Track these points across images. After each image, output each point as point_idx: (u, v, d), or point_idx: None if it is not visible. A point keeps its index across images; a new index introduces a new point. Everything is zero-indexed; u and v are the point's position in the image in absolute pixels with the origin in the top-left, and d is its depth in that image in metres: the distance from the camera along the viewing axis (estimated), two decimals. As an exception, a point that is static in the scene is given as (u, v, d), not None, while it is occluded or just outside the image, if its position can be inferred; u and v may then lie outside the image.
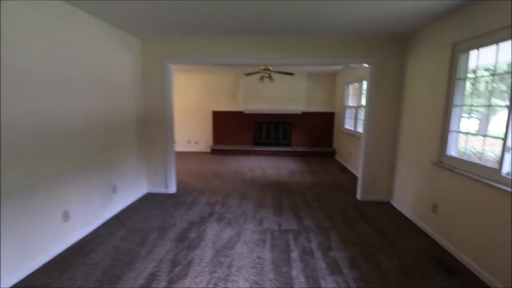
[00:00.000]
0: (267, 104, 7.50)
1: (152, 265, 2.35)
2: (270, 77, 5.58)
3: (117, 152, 3.48)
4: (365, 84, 5.49)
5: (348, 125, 6.56)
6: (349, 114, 6.58)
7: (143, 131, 4.15)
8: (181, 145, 8.15)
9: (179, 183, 4.72)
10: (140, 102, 4.02)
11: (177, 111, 7.98)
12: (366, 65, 3.88)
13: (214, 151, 7.64)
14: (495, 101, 2.49)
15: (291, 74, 5.85)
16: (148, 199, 3.99)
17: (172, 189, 4.29)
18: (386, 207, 3.77)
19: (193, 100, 7.93)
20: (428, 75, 3.10)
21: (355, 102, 6.04)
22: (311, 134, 7.69)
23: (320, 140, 7.69)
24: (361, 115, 5.67)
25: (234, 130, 7.85)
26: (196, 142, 8.12)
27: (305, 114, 7.59)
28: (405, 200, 3.55)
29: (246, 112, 7.64)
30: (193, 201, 3.92)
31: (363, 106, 5.51)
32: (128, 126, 3.75)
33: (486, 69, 2.52)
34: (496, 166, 2.18)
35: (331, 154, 7.35)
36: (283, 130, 7.72)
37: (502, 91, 2.55)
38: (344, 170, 5.94)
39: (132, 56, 3.76)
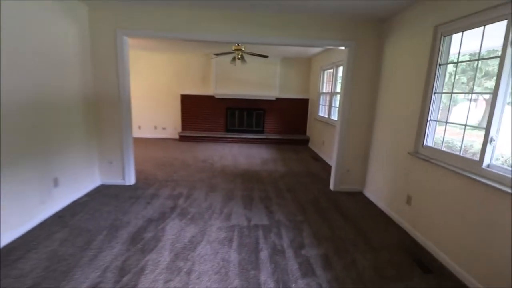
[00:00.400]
0: (240, 89, 7.09)
1: (95, 275, 1.97)
2: (242, 58, 5.17)
3: (58, 138, 2.93)
4: (340, 70, 5.31)
5: (322, 112, 6.42)
6: (323, 101, 6.42)
7: (95, 114, 3.59)
8: (146, 131, 7.52)
9: (140, 174, 4.26)
10: (89, 80, 3.43)
11: (142, 94, 7.31)
12: (343, 48, 3.63)
13: (182, 138, 7.14)
14: (477, 89, 2.37)
15: (265, 56, 5.49)
16: (101, 192, 3.50)
17: (131, 180, 3.82)
18: (359, 198, 3.67)
19: (159, 82, 7.27)
20: (408, 60, 2.92)
21: (330, 88, 5.86)
22: (285, 121, 7.47)
23: (294, 127, 7.50)
24: (336, 102, 5.51)
25: (205, 116, 7.38)
26: (164, 128, 7.54)
27: (279, 100, 7.32)
28: (379, 190, 3.46)
29: (217, 96, 7.18)
30: (154, 194, 3.52)
31: (338, 93, 5.35)
32: (74, 108, 3.18)
33: (471, 54, 2.38)
34: (476, 158, 2.06)
35: (305, 142, 7.22)
36: (256, 117, 7.40)
37: (483, 78, 2.44)
38: (317, 158, 5.81)
39: (76, 24, 3.14)
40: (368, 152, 3.75)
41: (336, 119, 5.20)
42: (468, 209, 2.04)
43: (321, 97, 6.44)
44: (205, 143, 7.01)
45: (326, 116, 5.89)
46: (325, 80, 6.37)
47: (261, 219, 2.92)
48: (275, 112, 7.40)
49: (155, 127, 7.53)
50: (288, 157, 5.83)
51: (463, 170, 2.10)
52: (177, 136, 7.29)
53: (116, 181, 3.78)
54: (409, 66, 2.89)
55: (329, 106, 5.69)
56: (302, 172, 4.73)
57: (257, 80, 7.07)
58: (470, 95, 2.26)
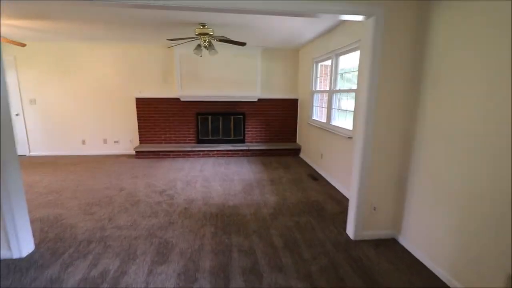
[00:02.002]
0: (212, 89, 5.61)
1: None
2: (210, 45, 3.71)
3: None
4: (342, 60, 4.00)
5: (318, 115, 5.10)
6: (318, 101, 5.11)
7: None
8: (93, 147, 5.83)
9: (50, 228, 2.69)
10: None
11: (85, 98, 5.63)
12: (361, 19, 2.29)
13: (140, 154, 5.54)
14: None
15: (241, 44, 4.06)
16: (-50, 284, 1.92)
17: (22, 249, 2.25)
18: (396, 252, 2.36)
19: (108, 83, 5.62)
20: (482, 39, 1.62)
21: (328, 85, 4.55)
22: (270, 126, 6.09)
23: (282, 134, 6.14)
24: (337, 103, 4.20)
25: (169, 124, 5.82)
26: (116, 142, 5.89)
27: (261, 102, 5.93)
28: (432, 244, 2.16)
29: (184, 99, 5.65)
30: (56, 278, 1.99)
31: (340, 91, 4.03)
32: None
33: None
34: None
35: (296, 152, 5.88)
36: (235, 123, 5.96)
37: None
38: (315, 176, 4.48)
39: None
40: (407, 179, 2.45)
41: (339, 125, 3.89)
42: None
43: (315, 96, 5.12)
44: (170, 159, 5.46)
45: (324, 120, 4.57)
46: (319, 75, 5.06)
47: None
48: (257, 117, 6.00)
49: (105, 141, 5.86)
50: (277, 176, 4.44)
51: None
52: (133, 152, 5.68)
53: (-7, 253, 2.20)
54: (486, 48, 1.59)
55: (328, 108, 4.37)
56: (300, 204, 3.36)
57: (233, 77, 5.62)
58: None
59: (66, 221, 2.88)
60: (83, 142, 5.81)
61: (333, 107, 4.23)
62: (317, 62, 5.00)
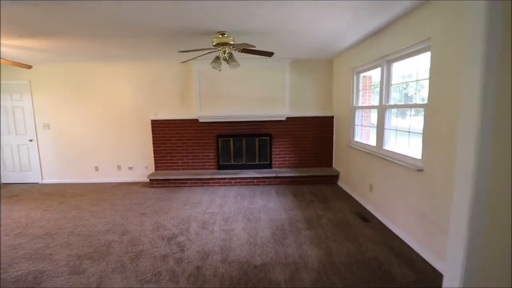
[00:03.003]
0: (234, 108, 4.95)
1: None
2: (231, 57, 3.05)
3: None
4: (396, 67, 3.13)
5: (362, 137, 4.18)
6: (360, 119, 4.21)
7: None
8: (106, 173, 5.35)
9: (16, 301, 2.01)
10: None
11: (98, 122, 5.22)
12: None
13: (154, 183, 4.93)
14: None
15: (268, 54, 3.35)
16: None
17: None
18: None
19: (122, 105, 5.18)
20: None
21: (372, 100, 3.67)
22: (300, 149, 5.24)
23: (315, 158, 5.26)
24: (389, 121, 3.29)
25: (187, 148, 5.20)
26: (130, 168, 5.36)
27: (290, 121, 5.14)
28: None
29: (202, 120, 5.03)
30: None
31: (399, 106, 3.13)
32: None
33: None
34: None
35: (332, 179, 4.94)
36: (260, 145, 5.19)
37: None
38: (365, 215, 3.51)
39: None
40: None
41: (398, 151, 2.92)
42: None
43: (357, 113, 4.23)
44: (187, 189, 4.78)
45: (373, 143, 3.64)
46: (361, 88, 4.19)
47: None
48: (286, 138, 5.19)
49: (119, 167, 5.35)
50: (315, 214, 3.54)
51: None
52: (147, 179, 5.09)
53: None
54: None
55: (378, 129, 3.45)
56: (354, 265, 2.42)
57: (258, 94, 4.93)
58: None
59: (45, 285, 2.20)
60: (96, 169, 5.34)
61: (386, 127, 3.32)
62: (358, 73, 4.16)
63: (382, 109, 3.34)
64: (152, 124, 5.12)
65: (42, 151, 5.34)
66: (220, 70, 3.28)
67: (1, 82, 5.09)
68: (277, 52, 4.31)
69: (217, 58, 3.15)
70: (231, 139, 5.15)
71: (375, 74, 3.89)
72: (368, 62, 3.66)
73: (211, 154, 5.20)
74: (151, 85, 5.10)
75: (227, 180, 4.89)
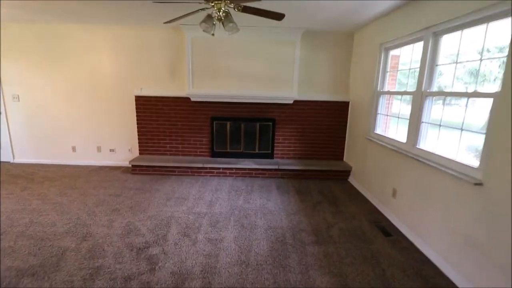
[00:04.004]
0: (233, 86, 4.18)
1: None
2: (227, 18, 2.27)
3: None
4: (444, 42, 2.35)
5: (386, 129, 3.46)
6: (384, 107, 3.46)
7: None
8: (85, 155, 4.70)
9: None
10: None
11: (75, 95, 4.49)
12: None
13: (137, 169, 4.28)
14: None
15: (277, 16, 2.54)
16: None
17: None
18: None
19: (104, 76, 4.41)
20: None
21: (407, 84, 2.91)
22: (307, 138, 4.53)
23: (324, 149, 4.56)
24: (429, 112, 2.56)
25: (176, 131, 4.50)
26: (112, 150, 4.69)
27: (298, 105, 4.38)
28: None
29: (195, 99, 4.28)
30: None
31: (439, 94, 2.37)
32: None
33: None
34: None
35: (343, 175, 4.27)
36: (261, 132, 4.48)
37: None
38: (385, 226, 2.87)
39: None
40: None
41: (440, 153, 2.17)
42: None
43: (381, 100, 3.48)
44: (175, 178, 4.14)
45: (402, 139, 2.92)
46: (388, 69, 3.41)
47: None
48: (291, 124, 4.47)
49: (99, 149, 4.69)
50: (324, 221, 2.90)
51: None
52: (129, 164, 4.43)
53: None
54: None
55: (412, 121, 2.71)
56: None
57: (262, 71, 4.14)
58: None
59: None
60: (74, 149, 4.68)
61: (424, 119, 2.58)
62: (387, 49, 3.35)
63: (421, 97, 2.59)
64: (136, 100, 4.38)
65: (12, 127, 4.66)
66: (213, 35, 2.49)
67: (-41, 42, 4.29)
68: (287, 19, 3.48)
69: (209, 17, 2.35)
70: (228, 123, 4.43)
71: (406, 53, 3.09)
72: (404, 35, 2.85)
73: (204, 139, 4.50)
74: (137, 54, 4.31)
75: (221, 170, 4.24)
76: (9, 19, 3.99)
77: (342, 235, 2.64)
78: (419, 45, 2.66)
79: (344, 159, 4.55)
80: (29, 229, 2.62)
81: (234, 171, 4.24)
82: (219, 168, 4.23)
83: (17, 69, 4.40)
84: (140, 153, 4.57)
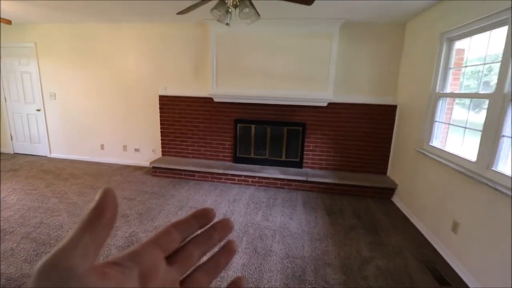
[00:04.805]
0: (259, 86, 3.78)
1: None
2: (243, 2, 1.87)
3: None
4: None
5: (446, 141, 2.73)
6: (444, 113, 2.74)
7: None
8: (112, 153, 4.73)
9: None
10: None
11: (104, 94, 4.51)
12: None
13: (156, 171, 4.12)
14: None
15: (306, 1, 2.05)
16: None
17: None
18: None
19: (130, 75, 4.36)
20: None
21: (461, 85, 2.20)
22: (343, 147, 3.91)
23: (362, 160, 3.90)
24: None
25: (198, 133, 4.24)
26: (137, 150, 4.63)
27: (333, 108, 3.81)
28: None
29: (218, 99, 3.97)
30: None
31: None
32: None
33: None
34: None
35: (386, 193, 3.58)
36: (290, 137, 4.00)
37: None
38: (440, 269, 2.19)
39: None
40: None
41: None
42: None
43: (440, 103, 2.76)
44: (194, 182, 3.87)
45: (471, 158, 2.22)
46: (452, 65, 2.68)
47: None
48: (324, 130, 3.90)
49: (125, 148, 4.66)
50: (357, 257, 2.33)
51: None
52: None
53: None
54: None
55: (488, 134, 2.01)
56: None
57: (292, 70, 3.67)
58: None
59: None
60: (102, 147, 4.73)
61: (505, 132, 1.88)
62: (451, 40, 2.64)
63: (503, 101, 1.89)
64: (160, 100, 4.23)
65: (50, 123, 4.87)
66: (227, 24, 2.10)
67: (6, 45, 4.59)
68: (322, 8, 2.97)
69: (222, 2, 1.97)
70: (253, 126, 4.04)
71: (477, 44, 2.36)
72: (476, 19, 2.15)
73: (227, 142, 4.17)
74: (162, 53, 4.15)
75: (242, 178, 3.86)
76: (43, 20, 4.12)
77: (380, 277, 2.06)
78: (500, 32, 1.96)
79: (388, 174, 3.84)
80: (36, 230, 2.53)
81: (256, 179, 3.83)
82: (240, 176, 3.85)
83: (53, 68, 4.56)
84: (162, 154, 4.42)
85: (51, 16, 3.90)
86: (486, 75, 2.27)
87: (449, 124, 2.69)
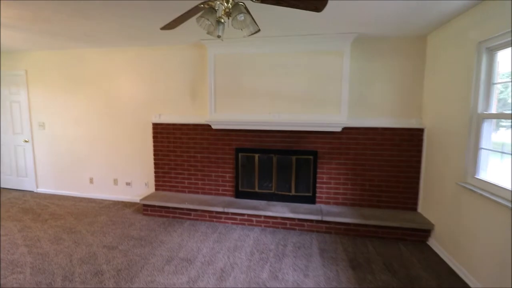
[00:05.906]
0: (262, 110, 3.33)
1: None
2: (236, 8, 1.48)
3: None
4: None
5: (498, 173, 2.16)
6: (490, 138, 2.20)
7: None
8: (100, 188, 4.27)
9: None
10: None
11: (92, 122, 4.15)
12: None
13: (147, 209, 3.60)
14: None
15: (315, 7, 1.64)
16: None
17: None
18: None
19: (122, 102, 4.01)
20: None
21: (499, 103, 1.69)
22: (363, 178, 3.34)
23: (386, 192, 3.31)
24: None
25: (195, 164, 3.76)
26: (128, 184, 4.15)
27: (348, 133, 3.30)
28: None
29: (216, 126, 3.52)
30: None
31: None
32: None
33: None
34: None
35: (421, 234, 2.94)
36: (299, 168, 3.47)
37: None
38: None
39: None
40: None
41: None
42: None
43: (484, 126, 2.23)
44: (190, 223, 3.32)
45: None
46: (495, 80, 2.19)
47: None
48: (340, 158, 3.37)
49: (115, 181, 4.19)
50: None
51: None
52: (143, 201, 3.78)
53: None
54: None
55: None
56: None
57: (300, 91, 3.23)
58: None
59: None
60: (91, 181, 4.28)
61: None
62: (492, 50, 2.17)
63: None
64: (153, 128, 3.82)
65: (38, 155, 4.49)
66: (219, 37, 1.69)
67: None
68: (333, 23, 2.59)
69: (212, 10, 1.57)
70: (256, 156, 3.54)
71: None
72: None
73: (227, 175, 3.67)
74: (155, 77, 3.81)
75: (245, 218, 3.30)
76: (35, 47, 3.89)
77: None
78: None
79: (419, 210, 3.22)
80: (-17, 298, 2.00)
81: (262, 219, 3.26)
82: (243, 215, 3.29)
83: (43, 96, 4.27)
84: (156, 189, 3.93)
85: (41, 43, 3.66)
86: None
87: (502, 152, 2.14)
